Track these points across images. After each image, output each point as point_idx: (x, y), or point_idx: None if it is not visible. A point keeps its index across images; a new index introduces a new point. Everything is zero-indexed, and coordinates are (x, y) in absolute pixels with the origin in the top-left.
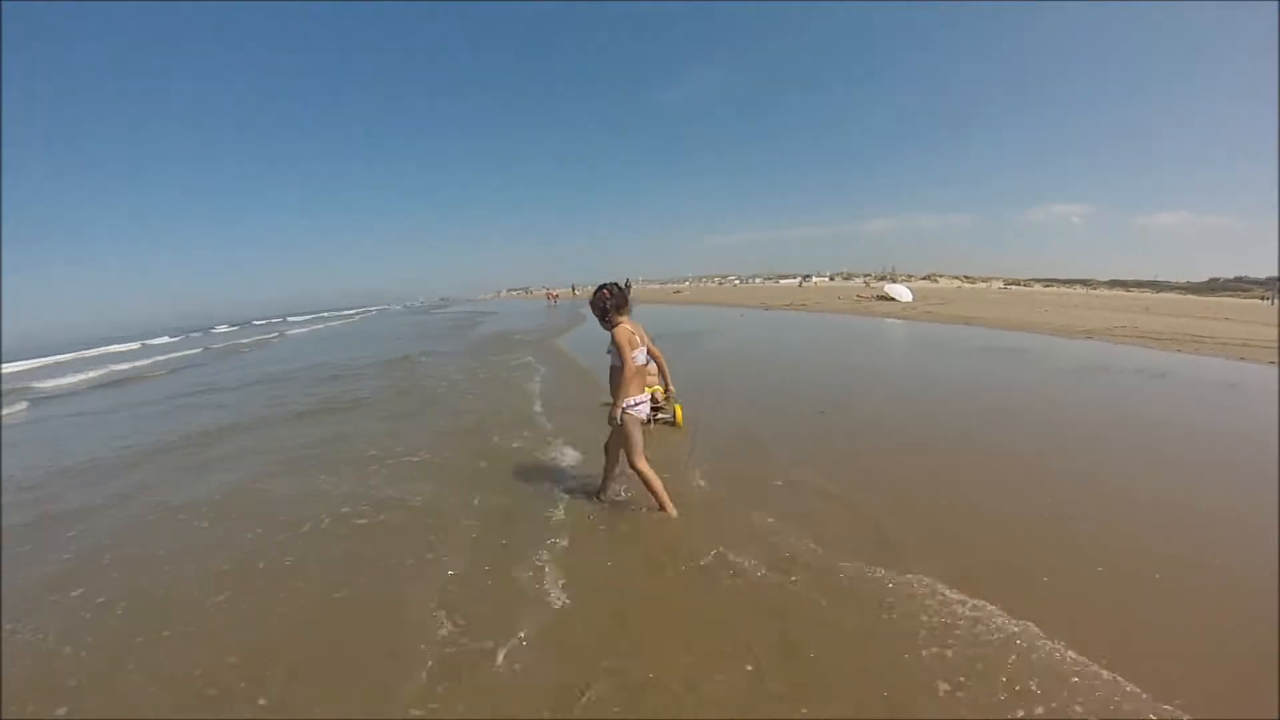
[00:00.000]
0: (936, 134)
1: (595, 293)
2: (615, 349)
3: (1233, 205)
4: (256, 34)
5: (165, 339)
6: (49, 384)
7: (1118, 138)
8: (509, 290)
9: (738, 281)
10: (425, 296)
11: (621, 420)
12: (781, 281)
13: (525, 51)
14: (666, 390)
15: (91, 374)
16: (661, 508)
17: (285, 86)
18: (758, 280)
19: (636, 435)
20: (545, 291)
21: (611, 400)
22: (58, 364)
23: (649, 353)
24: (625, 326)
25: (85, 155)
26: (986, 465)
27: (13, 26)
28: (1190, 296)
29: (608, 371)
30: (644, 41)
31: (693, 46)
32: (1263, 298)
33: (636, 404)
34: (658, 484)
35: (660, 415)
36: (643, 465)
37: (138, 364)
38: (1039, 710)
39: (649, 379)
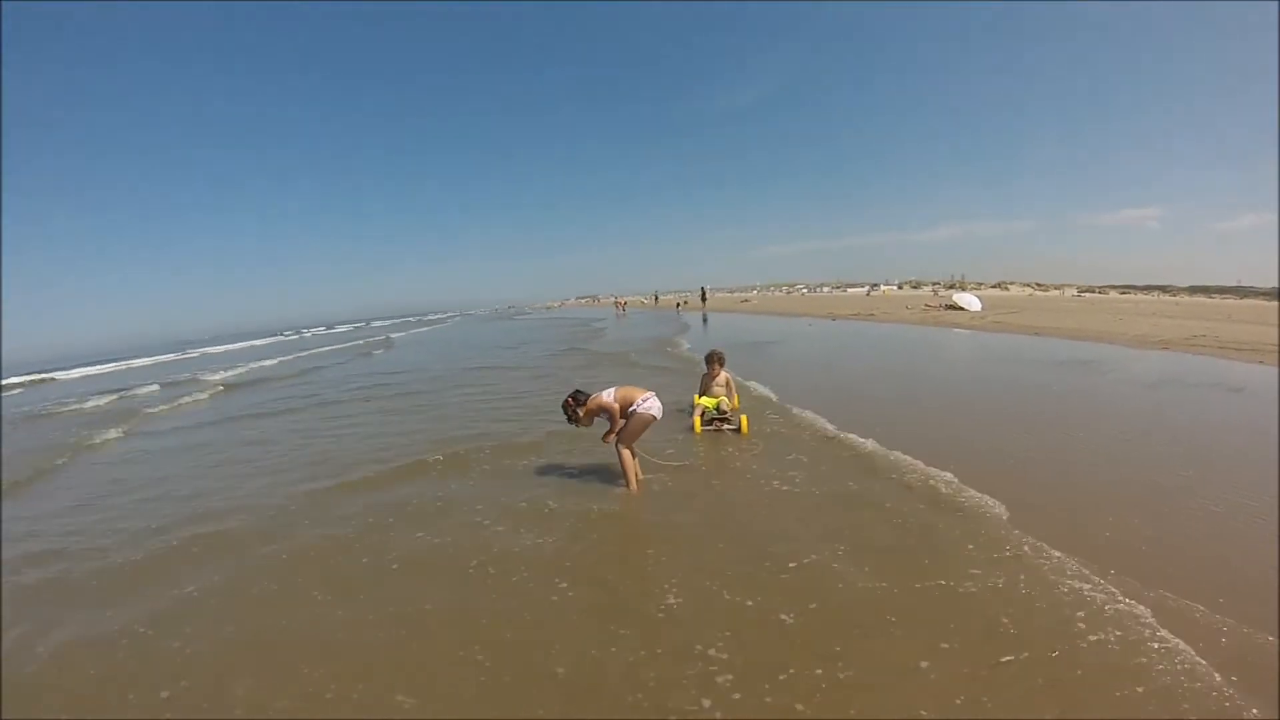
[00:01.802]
0: (1001, 136)
1: (563, 402)
2: (601, 412)
3: None
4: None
5: (276, 338)
6: (214, 378)
7: (1192, 137)
8: (577, 298)
9: (805, 290)
10: (494, 304)
11: (632, 416)
12: (849, 290)
13: (579, 54)
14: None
15: (236, 370)
16: (627, 484)
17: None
18: (825, 289)
19: (635, 428)
20: (613, 300)
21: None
22: (184, 360)
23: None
24: (605, 394)
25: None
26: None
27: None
28: (1276, 304)
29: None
30: (701, 45)
31: (752, 49)
32: None
33: (643, 403)
34: (629, 466)
35: (727, 425)
36: (623, 450)
37: (265, 362)
38: None
39: (716, 389)
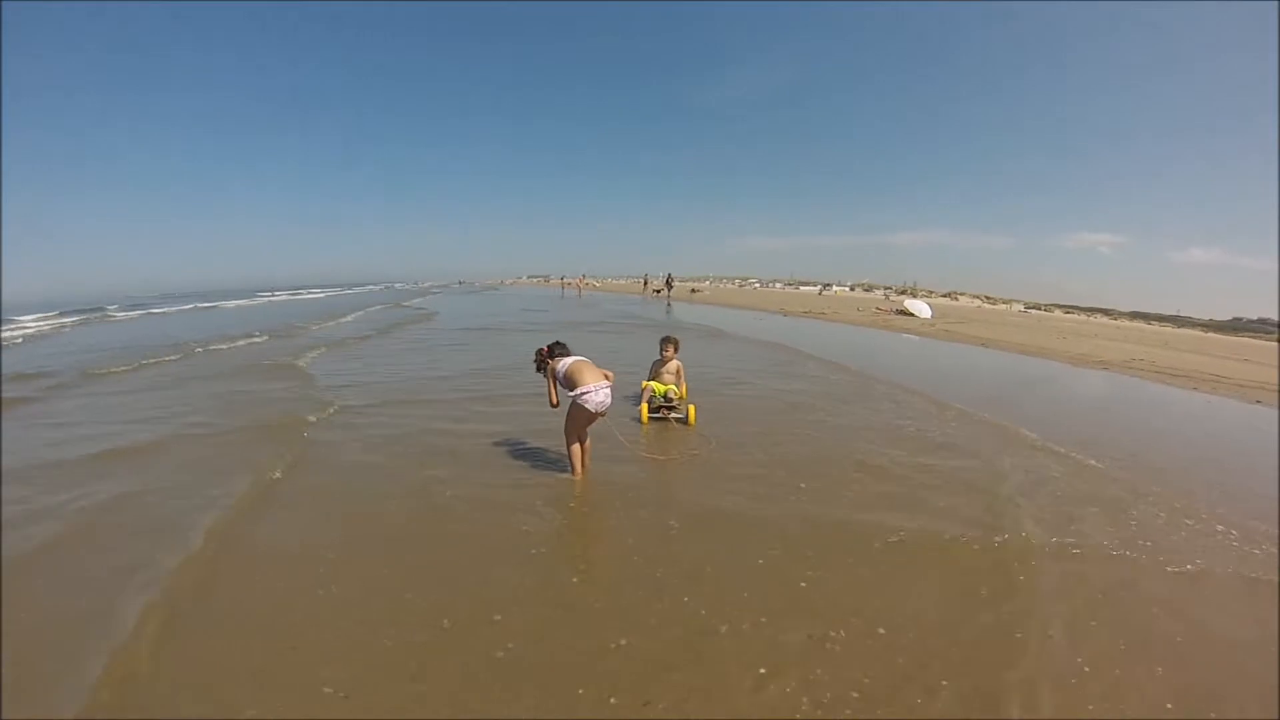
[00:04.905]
0: (972, 152)
1: (538, 349)
2: (556, 374)
3: (1271, 246)
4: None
5: (250, 299)
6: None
7: (1155, 169)
8: (529, 277)
9: (758, 285)
10: (438, 279)
11: (573, 404)
12: (801, 288)
13: (563, 44)
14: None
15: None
16: (572, 471)
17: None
18: (777, 285)
19: (573, 416)
20: (563, 280)
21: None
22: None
23: (568, 368)
24: (563, 362)
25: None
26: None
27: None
28: (1211, 335)
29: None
30: (689, 42)
31: (737, 50)
32: None
33: (583, 392)
34: (575, 455)
35: (674, 414)
36: (569, 442)
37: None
38: None
39: (666, 376)
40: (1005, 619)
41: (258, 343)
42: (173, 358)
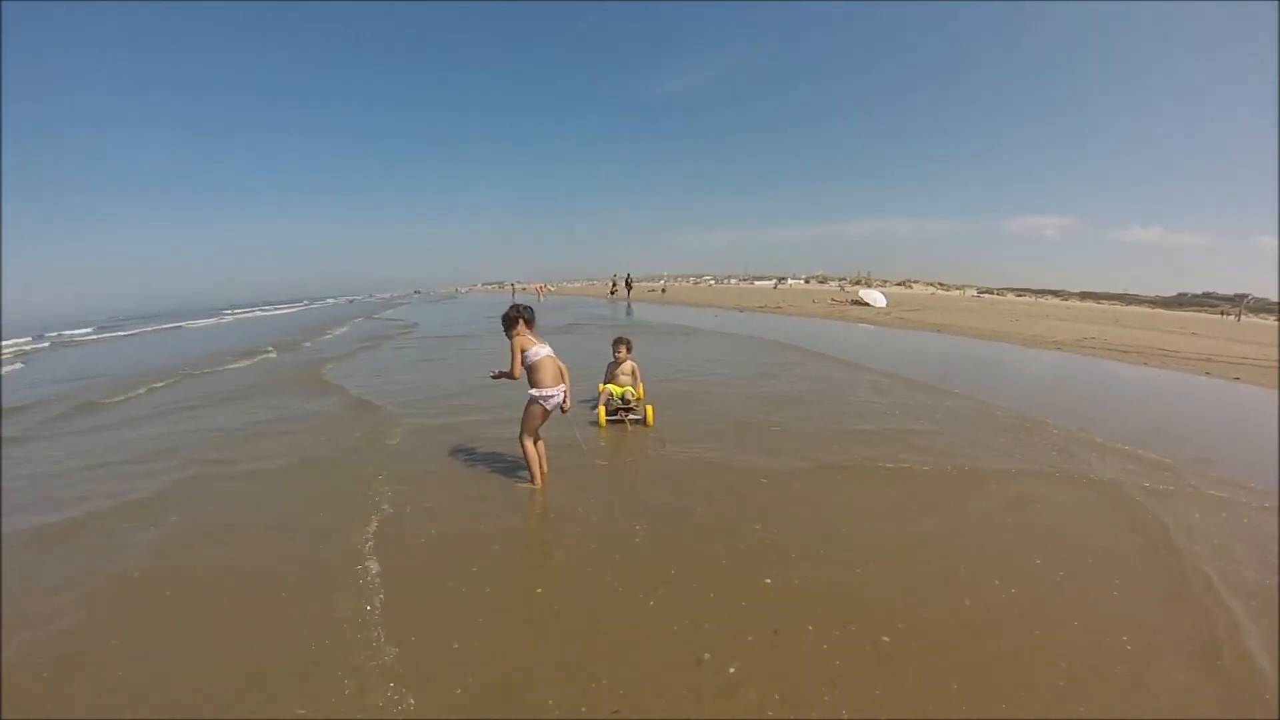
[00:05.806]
0: (923, 140)
1: (516, 306)
2: (524, 355)
3: (1206, 223)
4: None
5: (213, 319)
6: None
7: (1098, 154)
8: (484, 284)
9: (712, 281)
10: (394, 289)
11: (532, 401)
12: (756, 283)
13: (515, 40)
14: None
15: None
16: (532, 480)
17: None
18: (733, 281)
19: (531, 415)
20: (513, 286)
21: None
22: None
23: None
24: (524, 337)
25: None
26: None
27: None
28: (1158, 311)
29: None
30: (636, 38)
31: (686, 44)
32: (1224, 314)
33: (545, 395)
34: (533, 460)
35: (632, 416)
36: (526, 442)
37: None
38: None
39: (622, 378)
40: None
41: (271, 358)
42: (169, 378)
